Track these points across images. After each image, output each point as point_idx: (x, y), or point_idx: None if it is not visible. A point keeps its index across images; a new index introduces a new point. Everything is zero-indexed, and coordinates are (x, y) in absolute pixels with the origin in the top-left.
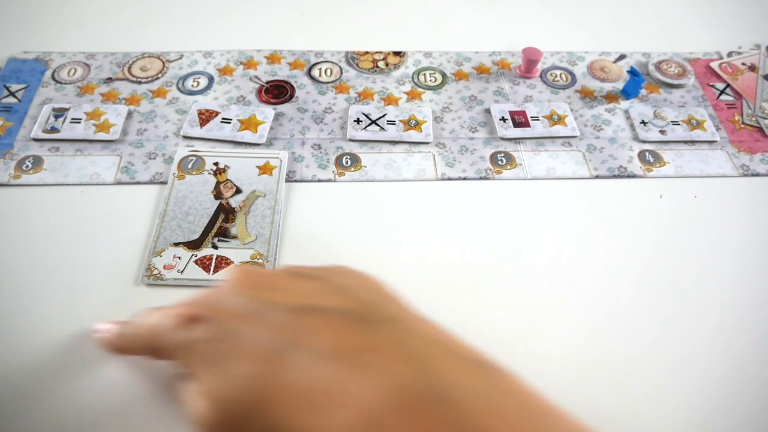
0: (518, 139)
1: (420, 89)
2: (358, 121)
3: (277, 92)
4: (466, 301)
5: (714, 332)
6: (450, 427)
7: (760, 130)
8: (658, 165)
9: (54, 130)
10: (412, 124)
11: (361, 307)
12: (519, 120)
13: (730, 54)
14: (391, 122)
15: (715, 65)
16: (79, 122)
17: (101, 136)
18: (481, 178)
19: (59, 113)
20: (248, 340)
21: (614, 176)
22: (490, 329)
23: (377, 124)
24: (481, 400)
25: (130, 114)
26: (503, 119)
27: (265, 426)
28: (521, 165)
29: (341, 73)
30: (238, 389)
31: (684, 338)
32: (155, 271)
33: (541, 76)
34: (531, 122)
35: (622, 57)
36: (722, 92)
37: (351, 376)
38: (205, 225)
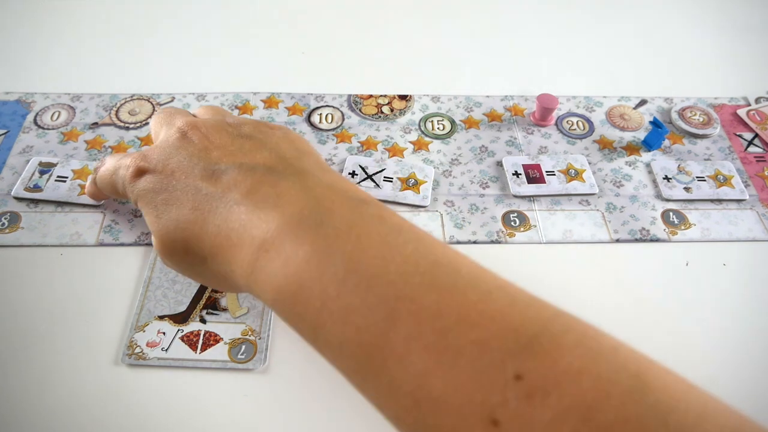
0: (532, 196)
1: (427, 138)
2: (353, 174)
3: None
4: None
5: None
6: (315, 245)
7: None
8: (683, 227)
9: (37, 188)
10: (410, 183)
11: (280, 162)
12: (533, 175)
13: (758, 100)
14: (388, 179)
15: (742, 112)
16: (65, 181)
17: (85, 199)
18: (492, 242)
19: (45, 169)
20: (180, 191)
21: (636, 240)
22: None
23: (373, 180)
24: (349, 225)
25: None
26: (516, 174)
27: (195, 257)
28: (536, 227)
29: (343, 119)
30: (171, 230)
31: None
32: (137, 349)
33: (556, 124)
34: (546, 177)
35: (642, 103)
36: (750, 143)
37: (256, 217)
38: (193, 295)
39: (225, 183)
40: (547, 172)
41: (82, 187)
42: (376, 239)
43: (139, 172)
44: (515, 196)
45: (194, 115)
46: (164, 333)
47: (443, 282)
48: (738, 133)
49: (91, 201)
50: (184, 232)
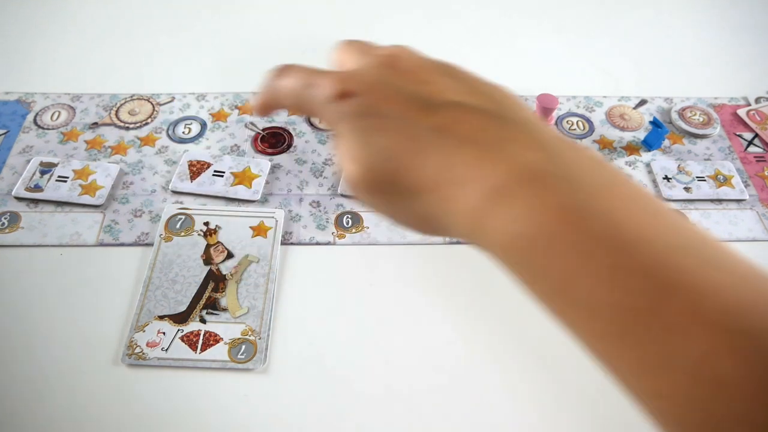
0: None
1: None
2: None
3: (274, 141)
4: (479, 383)
5: None
6: (567, 199)
7: None
8: None
9: (38, 188)
10: None
11: (500, 108)
12: None
13: (758, 100)
14: None
15: (742, 112)
16: (65, 181)
17: (85, 199)
18: None
19: (46, 169)
20: (393, 119)
21: None
22: (504, 415)
23: None
24: (600, 184)
25: (121, 175)
26: None
27: (401, 191)
28: None
29: None
30: (381, 159)
31: None
32: (137, 349)
33: (556, 124)
34: None
35: (642, 102)
36: (750, 143)
37: (484, 158)
38: (193, 295)
39: (447, 118)
40: None
41: (83, 186)
42: (633, 203)
43: (345, 94)
44: None
45: None
46: (164, 333)
47: (718, 262)
48: (738, 133)
49: (93, 200)
50: (395, 162)
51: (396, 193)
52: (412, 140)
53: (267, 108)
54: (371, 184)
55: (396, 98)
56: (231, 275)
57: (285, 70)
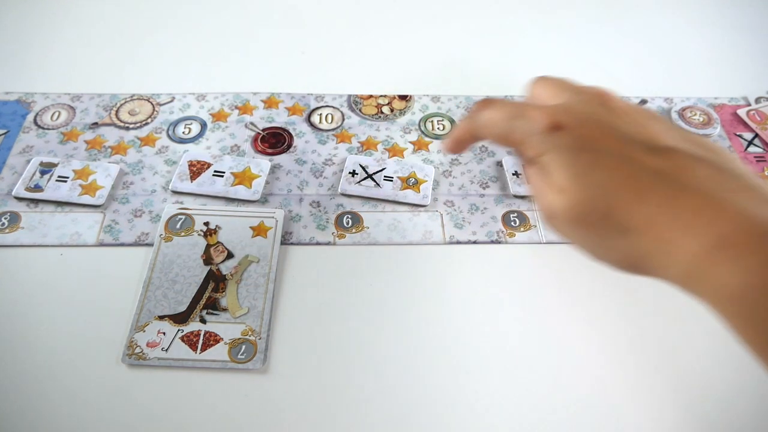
0: (533, 196)
1: (427, 138)
2: (353, 173)
3: (274, 141)
4: (476, 384)
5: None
6: None
7: None
8: None
9: (38, 188)
10: (410, 182)
11: (719, 159)
12: None
13: (758, 100)
14: (388, 178)
15: (742, 112)
16: (66, 181)
17: (86, 199)
18: (492, 242)
19: (46, 169)
20: (612, 157)
21: None
22: (501, 416)
23: (373, 179)
24: None
25: (121, 175)
26: (516, 174)
27: (614, 227)
28: (536, 227)
29: (343, 119)
30: (597, 194)
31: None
32: (137, 350)
33: None
34: None
35: (642, 102)
36: (750, 143)
37: (711, 207)
38: (193, 295)
39: (671, 163)
40: None
41: (83, 186)
42: None
43: (557, 126)
44: (515, 196)
45: None
46: (164, 333)
47: None
48: (738, 133)
49: (93, 200)
50: (611, 199)
51: (604, 228)
52: (633, 179)
53: (463, 141)
54: (579, 216)
55: (613, 136)
56: (231, 275)
57: (488, 103)
